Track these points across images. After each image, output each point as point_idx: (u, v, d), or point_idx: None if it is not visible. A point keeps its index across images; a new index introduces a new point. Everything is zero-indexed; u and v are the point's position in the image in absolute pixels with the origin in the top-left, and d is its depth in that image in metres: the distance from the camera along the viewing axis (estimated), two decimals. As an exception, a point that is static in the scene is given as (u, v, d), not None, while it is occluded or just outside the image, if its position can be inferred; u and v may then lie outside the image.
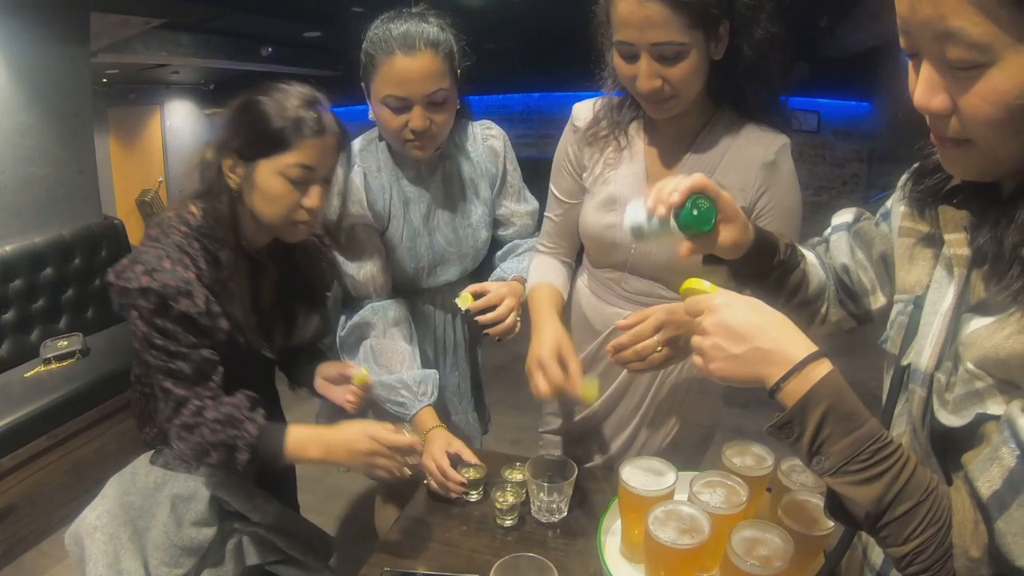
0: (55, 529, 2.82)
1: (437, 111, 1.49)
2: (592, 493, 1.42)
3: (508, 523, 1.33)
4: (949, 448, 0.73)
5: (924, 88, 0.65)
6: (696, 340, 0.85)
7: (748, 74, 1.28)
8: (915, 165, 0.88)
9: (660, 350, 1.29)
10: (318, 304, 1.58)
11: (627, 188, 1.41)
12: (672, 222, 0.96)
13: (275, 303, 1.49)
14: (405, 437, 1.31)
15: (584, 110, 1.49)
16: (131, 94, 8.74)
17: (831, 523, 1.04)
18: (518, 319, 1.57)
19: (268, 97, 1.26)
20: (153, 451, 1.46)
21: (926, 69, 0.64)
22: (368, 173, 1.60)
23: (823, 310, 1.10)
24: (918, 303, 0.81)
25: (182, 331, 1.27)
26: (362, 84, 1.53)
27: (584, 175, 1.49)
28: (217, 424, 1.29)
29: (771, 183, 1.35)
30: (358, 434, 1.30)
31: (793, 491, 1.15)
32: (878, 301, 1.04)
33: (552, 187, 1.58)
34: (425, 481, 1.45)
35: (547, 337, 1.36)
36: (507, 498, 1.34)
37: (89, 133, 3.92)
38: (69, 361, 3.19)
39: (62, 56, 3.63)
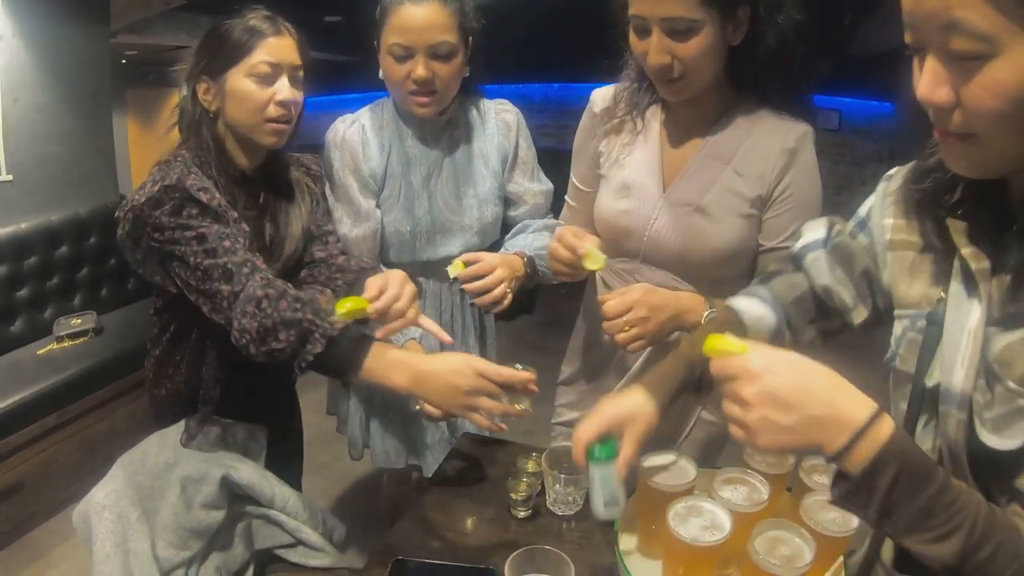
0: (63, 507, 2.83)
1: (440, 63, 1.49)
2: (607, 487, 1.40)
3: (523, 514, 1.31)
4: (991, 470, 0.70)
5: (928, 81, 0.64)
6: (735, 412, 0.75)
7: (770, 62, 1.26)
8: (894, 171, 0.88)
9: (627, 330, 1.27)
10: (307, 220, 1.56)
11: (641, 173, 1.40)
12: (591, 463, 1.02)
13: (274, 232, 1.49)
14: (520, 372, 1.18)
15: (602, 95, 1.49)
16: (150, 76, 8.75)
17: (853, 524, 1.02)
18: (509, 291, 1.51)
19: (228, 19, 1.35)
20: (183, 432, 1.44)
21: (931, 62, 0.64)
22: (369, 129, 1.61)
23: (785, 342, 1.08)
24: (933, 319, 0.78)
25: (209, 221, 1.27)
26: (375, 43, 1.54)
27: (601, 160, 1.48)
28: (298, 303, 1.20)
29: (790, 170, 1.32)
30: (462, 366, 1.15)
31: (815, 491, 1.12)
32: (860, 315, 1.00)
33: (572, 173, 1.57)
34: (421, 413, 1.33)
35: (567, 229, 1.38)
36: (522, 489, 1.31)
37: (107, 113, 3.92)
38: (82, 339, 3.19)
39: (82, 35, 3.63)
